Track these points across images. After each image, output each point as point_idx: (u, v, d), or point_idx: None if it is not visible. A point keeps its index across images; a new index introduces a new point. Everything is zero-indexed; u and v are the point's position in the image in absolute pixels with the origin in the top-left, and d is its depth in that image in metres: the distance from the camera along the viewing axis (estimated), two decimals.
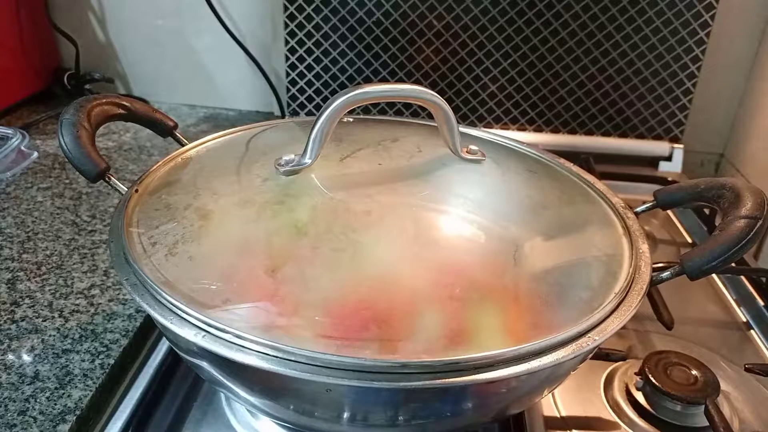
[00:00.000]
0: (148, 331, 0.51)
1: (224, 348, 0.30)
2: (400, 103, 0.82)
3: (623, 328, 0.34)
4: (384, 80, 0.83)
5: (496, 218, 0.38)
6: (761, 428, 0.45)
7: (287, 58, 0.82)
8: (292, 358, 0.29)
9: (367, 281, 0.33)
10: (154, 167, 0.44)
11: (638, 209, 0.44)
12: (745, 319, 0.58)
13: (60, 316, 0.50)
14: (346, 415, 0.33)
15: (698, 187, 0.41)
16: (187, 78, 0.93)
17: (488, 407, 0.36)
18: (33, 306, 0.51)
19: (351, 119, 0.49)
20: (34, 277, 0.54)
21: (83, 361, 0.46)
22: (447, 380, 0.30)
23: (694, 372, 0.46)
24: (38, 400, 0.43)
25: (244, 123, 0.51)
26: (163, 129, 0.49)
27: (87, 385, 0.44)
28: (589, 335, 0.32)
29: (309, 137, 0.39)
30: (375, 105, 0.81)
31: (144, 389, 0.44)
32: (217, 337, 0.31)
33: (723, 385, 0.45)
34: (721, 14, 0.76)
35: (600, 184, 0.46)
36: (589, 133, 0.84)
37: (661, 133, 0.83)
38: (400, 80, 0.83)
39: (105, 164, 0.41)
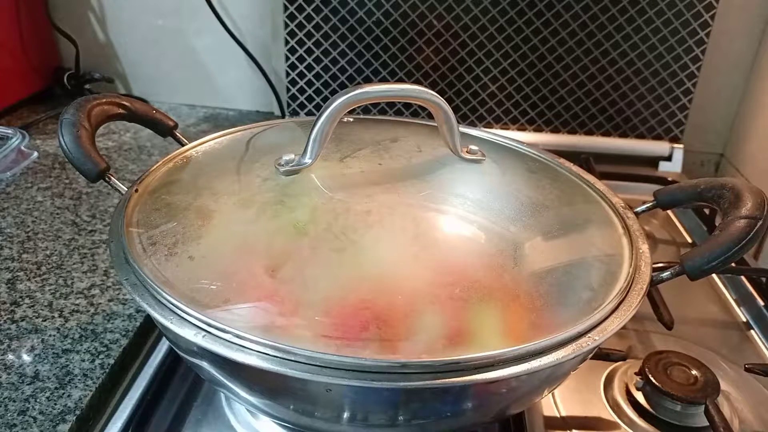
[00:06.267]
0: (148, 331, 0.51)
1: (224, 348, 0.30)
2: (400, 103, 0.82)
3: (623, 328, 0.34)
4: (384, 80, 0.83)
5: (496, 218, 0.38)
6: (761, 428, 0.45)
7: (287, 58, 0.82)
8: (292, 358, 0.29)
9: (367, 281, 0.33)
10: (154, 167, 0.44)
11: (638, 209, 0.44)
12: (745, 319, 0.58)
13: (60, 316, 0.50)
14: (346, 415, 0.33)
15: (698, 187, 0.41)
16: (187, 78, 0.93)
17: (488, 407, 0.36)
18: (33, 306, 0.51)
19: (351, 119, 0.49)
20: (34, 277, 0.54)
21: (83, 361, 0.46)
22: (447, 380, 0.30)
23: (694, 372, 0.46)
24: (38, 400, 0.43)
25: (244, 123, 0.51)
26: (163, 129, 0.49)
27: (87, 385, 0.44)
28: (589, 335, 0.32)
29: (309, 137, 0.39)
30: (375, 105, 0.81)
31: (144, 389, 0.44)
32: (217, 337, 0.31)
33: (723, 385, 0.45)
34: (721, 14, 0.76)
35: (600, 184, 0.46)
36: (589, 133, 0.84)
37: (661, 133, 0.83)
38: (400, 80, 0.83)
39: (105, 164, 0.41)
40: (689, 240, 0.70)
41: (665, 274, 0.38)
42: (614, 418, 0.45)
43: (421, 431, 0.35)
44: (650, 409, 0.45)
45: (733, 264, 0.56)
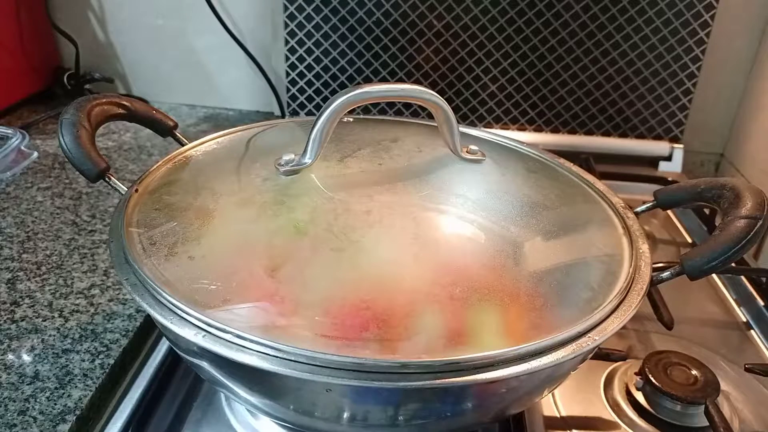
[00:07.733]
0: (148, 331, 0.51)
1: (224, 348, 0.30)
2: (400, 103, 0.82)
3: (623, 328, 0.34)
4: (384, 80, 0.83)
5: (496, 218, 0.38)
6: (761, 428, 0.45)
7: (287, 58, 0.82)
8: (292, 358, 0.29)
9: (366, 281, 0.33)
10: (154, 167, 0.44)
11: (638, 209, 0.44)
12: (745, 319, 0.58)
13: (60, 316, 0.50)
14: (346, 415, 0.33)
15: (698, 187, 0.41)
16: (187, 78, 0.93)
17: (488, 407, 0.36)
18: (33, 306, 0.51)
19: (351, 119, 0.49)
20: (34, 277, 0.54)
21: (83, 361, 0.46)
22: (447, 380, 0.30)
23: (694, 372, 0.46)
24: (38, 400, 0.43)
25: (244, 123, 0.51)
26: (163, 129, 0.49)
27: (87, 385, 0.44)
28: (589, 335, 0.32)
29: (309, 137, 0.39)
30: (375, 105, 0.81)
31: (144, 389, 0.44)
32: (217, 337, 0.31)
33: (723, 385, 0.45)
34: (721, 14, 0.77)
35: (600, 184, 0.46)
36: (589, 133, 0.84)
37: (661, 133, 0.83)
38: (400, 80, 0.83)
39: (105, 164, 0.41)
40: (689, 240, 0.70)
41: (665, 274, 0.38)
42: (614, 418, 0.45)
43: (421, 431, 0.35)
44: (650, 409, 0.45)
45: (733, 264, 0.56)
